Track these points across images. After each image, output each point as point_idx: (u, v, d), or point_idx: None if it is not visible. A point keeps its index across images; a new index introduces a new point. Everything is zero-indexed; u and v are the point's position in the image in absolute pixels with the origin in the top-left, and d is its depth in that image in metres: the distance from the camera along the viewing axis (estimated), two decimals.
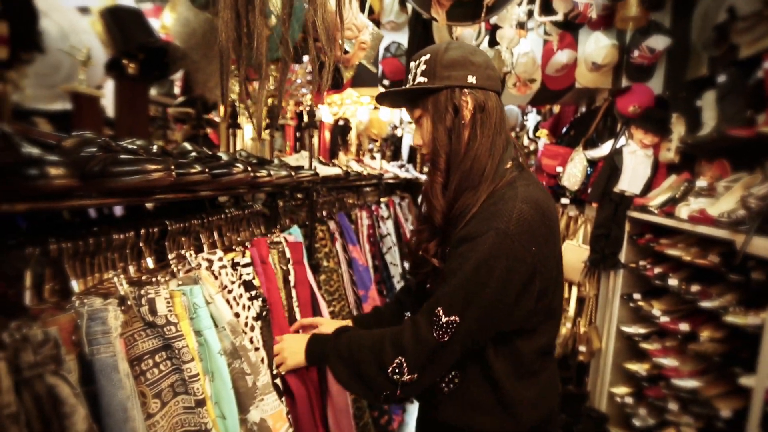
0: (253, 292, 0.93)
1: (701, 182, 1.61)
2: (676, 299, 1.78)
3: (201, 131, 1.43)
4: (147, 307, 0.67)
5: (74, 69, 1.18)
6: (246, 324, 0.87)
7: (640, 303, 1.89)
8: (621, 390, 2.02)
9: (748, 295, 1.37)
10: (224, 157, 0.97)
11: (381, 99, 0.93)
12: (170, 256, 0.91)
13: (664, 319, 1.69)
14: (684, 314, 1.69)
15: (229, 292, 0.86)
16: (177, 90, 1.89)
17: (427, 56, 0.83)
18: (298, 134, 2.31)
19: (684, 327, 1.58)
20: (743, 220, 1.25)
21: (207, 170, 0.79)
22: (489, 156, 0.79)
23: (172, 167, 0.68)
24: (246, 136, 1.68)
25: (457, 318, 0.71)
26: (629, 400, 1.96)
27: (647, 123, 1.89)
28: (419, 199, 1.01)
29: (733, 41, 1.61)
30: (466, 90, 0.80)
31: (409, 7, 1.93)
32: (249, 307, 0.89)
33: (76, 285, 0.70)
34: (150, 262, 0.87)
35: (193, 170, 0.75)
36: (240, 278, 0.91)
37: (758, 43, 1.52)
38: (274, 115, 1.48)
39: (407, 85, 0.87)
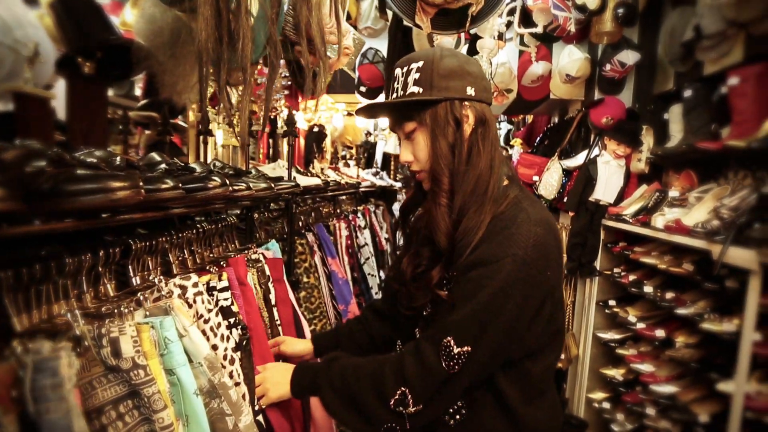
0: (232, 320, 0.84)
1: (674, 192, 1.67)
2: (650, 305, 1.83)
3: (167, 137, 1.31)
4: (109, 348, 0.57)
5: (18, 66, 1.04)
6: (225, 357, 0.77)
7: (616, 309, 1.93)
8: (598, 395, 2.06)
9: (722, 302, 1.42)
10: (198, 168, 0.87)
11: (365, 111, 0.86)
12: (135, 282, 0.80)
13: (641, 325, 1.73)
14: (659, 320, 1.74)
15: (206, 321, 0.76)
16: (138, 92, 1.74)
17: (420, 63, 0.76)
18: (270, 141, 2.20)
19: (660, 333, 1.62)
20: (718, 230, 1.29)
21: (180, 185, 0.70)
22: (491, 172, 0.75)
23: (140, 184, 0.58)
24: (217, 143, 1.57)
25: (469, 348, 0.66)
26: (606, 405, 1.99)
27: (620, 134, 1.94)
28: (400, 208, 0.95)
29: (698, 58, 1.69)
30: (466, 102, 0.75)
31: (389, 13, 1.89)
32: (228, 338, 0.80)
33: (17, 323, 0.58)
34: (110, 289, 0.76)
35: (164, 186, 0.66)
36: (217, 305, 0.82)
37: (722, 60, 1.60)
38: (252, 122, 1.39)
39: (395, 95, 0.80)
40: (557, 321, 0.76)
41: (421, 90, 0.76)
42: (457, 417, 0.76)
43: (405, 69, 0.78)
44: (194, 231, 0.99)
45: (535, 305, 0.69)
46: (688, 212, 1.52)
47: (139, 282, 0.81)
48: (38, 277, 0.62)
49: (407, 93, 0.77)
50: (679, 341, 1.54)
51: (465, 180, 0.74)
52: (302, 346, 1.03)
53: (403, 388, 0.70)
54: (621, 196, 1.99)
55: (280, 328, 1.05)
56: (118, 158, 0.69)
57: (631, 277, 1.82)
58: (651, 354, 1.77)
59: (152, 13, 1.20)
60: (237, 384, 0.78)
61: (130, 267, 0.80)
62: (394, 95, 0.80)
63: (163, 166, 0.80)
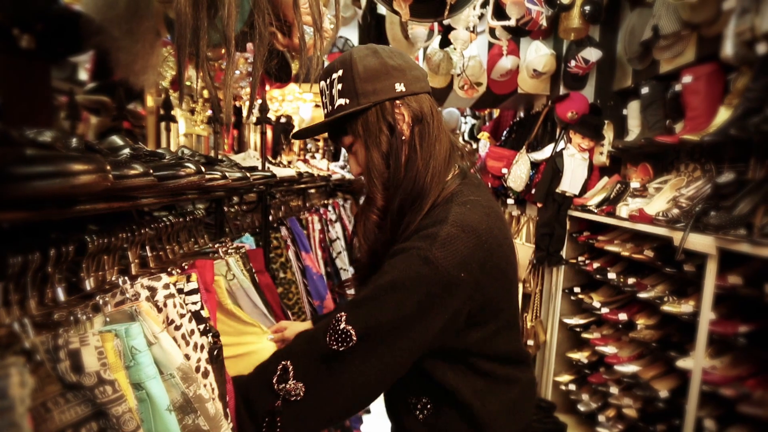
0: (203, 326, 0.76)
1: (635, 183, 1.76)
2: (613, 291, 1.94)
3: (124, 124, 1.18)
4: (68, 362, 0.49)
5: None
6: (198, 369, 0.69)
7: (581, 296, 2.03)
8: (564, 378, 2.16)
9: (680, 286, 1.52)
10: (166, 155, 0.78)
11: (302, 135, 0.80)
12: (89, 284, 0.70)
13: (604, 310, 1.83)
14: (621, 304, 1.85)
15: (177, 328, 0.68)
16: (83, 75, 1.56)
17: (340, 72, 0.70)
18: (236, 132, 2.07)
19: (623, 316, 1.72)
20: (678, 218, 1.38)
21: (151, 171, 0.61)
22: (427, 170, 0.70)
23: (108, 168, 0.50)
24: (180, 131, 1.44)
25: (352, 329, 0.62)
26: (573, 387, 2.10)
27: (584, 128, 2.03)
28: (355, 216, 0.92)
29: (655, 57, 1.79)
30: (397, 101, 0.70)
31: (363, 1, 1.84)
32: (202, 347, 0.72)
33: None
34: (60, 293, 0.66)
35: (133, 171, 0.58)
36: (187, 309, 0.74)
37: (676, 60, 1.70)
38: (218, 108, 1.28)
39: (326, 111, 0.75)
40: (504, 318, 0.72)
41: (347, 101, 0.70)
42: (425, 412, 0.74)
43: (327, 81, 0.72)
44: (160, 225, 0.89)
45: (446, 308, 0.63)
46: (649, 202, 1.61)
47: (93, 284, 0.71)
48: None
49: (335, 107, 0.72)
50: (640, 323, 1.65)
51: (403, 185, 0.70)
52: (304, 326, 0.97)
53: (284, 361, 0.66)
54: (585, 188, 2.09)
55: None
56: (75, 139, 0.59)
57: (596, 265, 1.91)
58: (614, 336, 1.87)
59: None
60: (213, 399, 0.71)
61: (84, 267, 0.70)
62: (325, 111, 0.75)
63: (127, 150, 0.70)
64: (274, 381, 0.65)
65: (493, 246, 0.66)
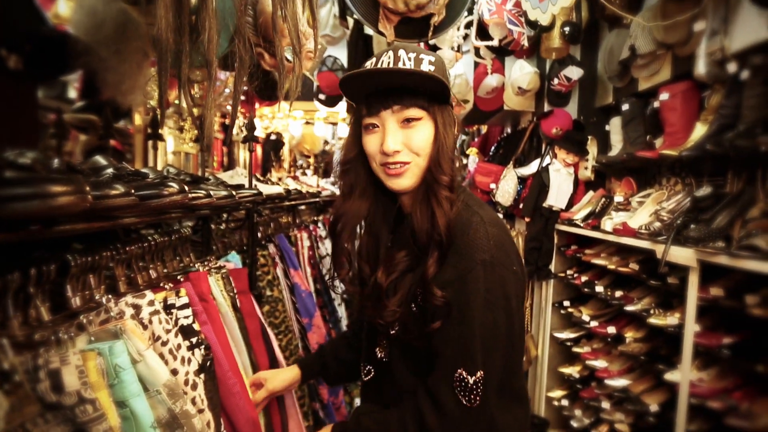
0: (194, 339, 0.76)
1: (618, 197, 1.80)
2: (601, 304, 1.95)
3: (110, 143, 1.18)
4: (48, 382, 0.48)
5: None
6: (187, 382, 0.69)
7: (570, 309, 2.03)
8: (557, 393, 2.14)
9: (665, 298, 1.54)
10: (150, 174, 0.79)
11: (360, 79, 0.72)
12: (74, 303, 0.69)
13: (593, 323, 1.83)
14: (609, 318, 1.86)
15: (164, 344, 0.68)
16: (72, 93, 1.57)
17: (432, 58, 0.72)
18: (224, 149, 2.09)
19: (611, 330, 1.73)
20: (660, 231, 1.41)
21: (133, 191, 0.62)
22: (458, 171, 0.77)
23: (87, 189, 0.51)
24: (168, 149, 1.45)
25: (482, 373, 0.64)
26: (565, 402, 2.08)
27: (568, 144, 2.08)
28: (328, 229, 0.92)
29: (633, 75, 1.85)
30: (452, 110, 0.77)
31: (350, 21, 1.89)
32: (189, 360, 0.72)
33: None
34: (43, 312, 0.66)
35: (114, 192, 0.58)
36: (176, 324, 0.73)
37: (653, 77, 1.76)
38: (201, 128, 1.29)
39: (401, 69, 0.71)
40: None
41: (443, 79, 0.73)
42: None
43: (412, 54, 0.71)
44: (144, 244, 0.89)
45: (520, 300, 0.70)
46: (632, 216, 1.64)
47: (79, 303, 0.70)
48: None
49: (425, 72, 0.71)
50: (628, 336, 1.65)
51: (458, 176, 0.75)
52: (288, 374, 0.97)
53: None
54: (571, 202, 2.12)
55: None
56: (56, 160, 0.60)
57: (584, 278, 1.92)
58: (603, 350, 1.87)
59: (92, 5, 1.09)
60: (201, 411, 0.70)
61: (68, 287, 0.70)
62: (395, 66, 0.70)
63: (110, 170, 0.71)
64: None
65: (514, 242, 0.76)
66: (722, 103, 1.39)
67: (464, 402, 0.65)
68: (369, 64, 0.73)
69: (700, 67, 1.42)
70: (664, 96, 1.64)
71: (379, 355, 0.81)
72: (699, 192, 1.35)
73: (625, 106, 1.88)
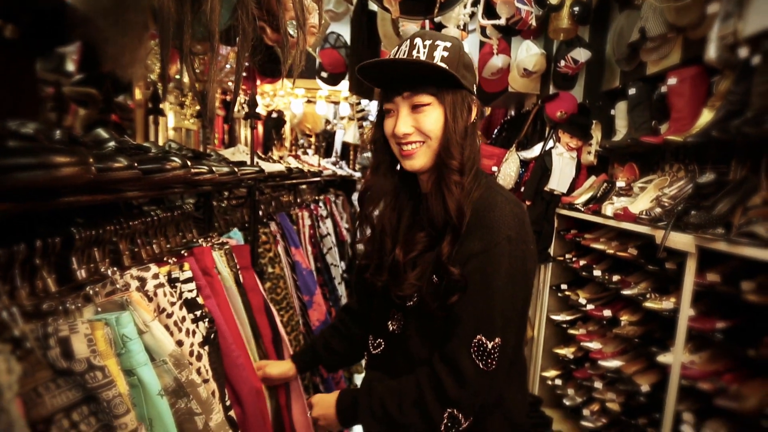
0: (198, 312, 0.77)
1: (620, 183, 1.79)
2: (598, 288, 1.97)
3: (111, 117, 1.17)
4: (58, 349, 0.49)
5: None
6: (191, 353, 0.71)
7: (567, 293, 2.06)
8: (551, 373, 2.20)
9: (662, 283, 1.56)
10: (152, 148, 0.78)
11: (372, 69, 0.75)
12: (80, 275, 0.70)
13: (590, 306, 1.86)
14: (606, 301, 1.89)
15: (169, 316, 0.69)
16: (71, 65, 1.54)
17: (448, 44, 0.75)
18: (226, 126, 2.06)
19: (607, 313, 1.76)
20: (660, 217, 1.41)
21: (136, 165, 0.62)
22: (478, 157, 0.80)
23: (91, 160, 0.51)
24: (169, 125, 1.43)
25: (499, 340, 0.68)
26: (559, 381, 2.14)
27: (572, 128, 2.06)
28: (358, 198, 0.95)
29: (642, 59, 1.82)
30: (472, 96, 0.79)
31: None
32: (194, 332, 0.73)
33: None
34: (50, 284, 0.66)
35: (117, 165, 0.58)
36: (180, 297, 0.74)
37: (662, 62, 1.73)
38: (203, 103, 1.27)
39: (411, 59, 0.74)
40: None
41: (448, 68, 0.74)
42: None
43: (428, 42, 0.75)
44: (147, 219, 0.89)
45: (533, 276, 0.74)
46: (634, 201, 1.65)
47: (84, 276, 0.71)
48: None
49: (432, 62, 0.74)
50: (623, 319, 1.68)
51: (474, 163, 0.77)
52: (284, 367, 1.01)
53: (449, 410, 0.69)
54: (573, 187, 2.12)
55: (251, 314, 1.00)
56: (58, 132, 0.59)
57: (582, 262, 1.94)
58: (598, 332, 1.91)
59: None
60: (206, 381, 0.72)
61: (73, 259, 0.70)
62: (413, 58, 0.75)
63: (112, 143, 0.70)
64: (442, 429, 0.70)
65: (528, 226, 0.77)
66: (731, 89, 1.37)
67: (481, 366, 0.68)
68: (392, 53, 0.78)
69: (712, 51, 1.39)
70: (672, 81, 1.62)
71: (391, 328, 0.83)
72: (702, 178, 1.35)
73: (632, 91, 1.86)
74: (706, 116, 1.49)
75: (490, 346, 0.68)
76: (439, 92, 0.75)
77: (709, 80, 1.56)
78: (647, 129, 1.81)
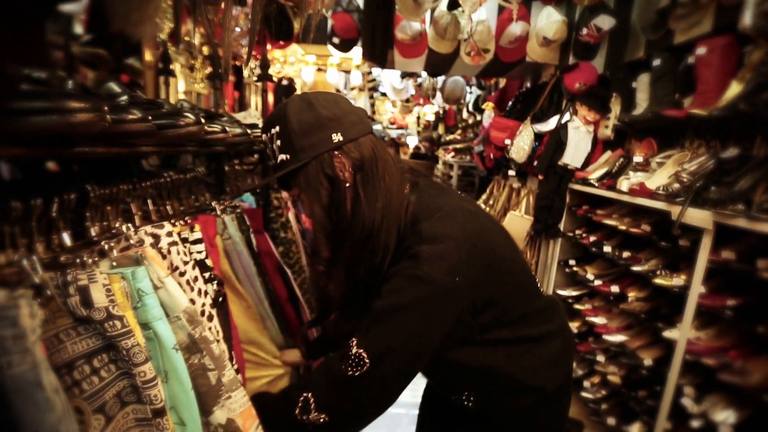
0: (207, 274, 0.78)
1: (638, 158, 1.75)
2: (607, 264, 1.96)
3: (123, 78, 1.15)
4: (78, 297, 0.50)
5: None
6: (203, 313, 0.72)
7: (576, 268, 2.06)
8: None
9: (673, 260, 1.54)
10: (165, 105, 0.77)
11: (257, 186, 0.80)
12: (93, 231, 0.71)
13: (598, 282, 1.86)
14: (614, 277, 1.88)
15: (182, 274, 0.70)
16: (79, 26, 1.51)
17: (276, 129, 0.70)
18: (236, 93, 2.03)
19: (615, 289, 1.76)
20: (678, 192, 1.38)
21: (150, 118, 0.61)
22: (373, 211, 0.70)
23: (105, 108, 0.50)
24: (179, 89, 1.41)
25: (363, 352, 0.64)
26: None
27: (591, 100, 1.99)
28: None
29: (670, 26, 1.72)
30: (336, 152, 0.70)
31: None
32: (206, 293, 0.74)
33: None
34: (66, 239, 0.67)
35: (132, 116, 0.57)
36: (191, 257, 0.75)
37: (692, 30, 1.64)
38: (220, 64, 1.25)
39: (271, 164, 0.75)
40: (509, 291, 0.74)
41: (288, 156, 0.70)
42: (472, 398, 0.78)
43: (269, 135, 0.73)
44: (160, 180, 0.89)
45: (451, 312, 0.67)
46: (651, 176, 1.61)
47: (98, 232, 0.72)
48: None
49: (279, 162, 0.72)
50: (631, 295, 1.68)
51: (351, 234, 0.71)
52: (297, 353, 1.03)
53: (305, 394, 0.67)
54: (588, 162, 2.07)
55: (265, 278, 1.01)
56: (71, 82, 0.58)
57: (592, 238, 1.93)
58: (604, 308, 1.92)
59: None
60: (217, 341, 0.73)
61: (87, 215, 0.71)
62: (271, 163, 0.76)
63: (125, 97, 0.69)
64: (296, 413, 0.68)
65: (474, 239, 0.68)
66: (763, 59, 1.30)
67: (342, 365, 0.66)
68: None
69: (747, 18, 1.31)
70: (701, 50, 1.54)
71: None
72: (725, 153, 1.31)
73: (657, 61, 1.77)
74: (734, 89, 1.42)
75: (354, 351, 0.65)
76: (294, 182, 0.72)
77: (740, 50, 1.48)
78: (670, 102, 1.74)
